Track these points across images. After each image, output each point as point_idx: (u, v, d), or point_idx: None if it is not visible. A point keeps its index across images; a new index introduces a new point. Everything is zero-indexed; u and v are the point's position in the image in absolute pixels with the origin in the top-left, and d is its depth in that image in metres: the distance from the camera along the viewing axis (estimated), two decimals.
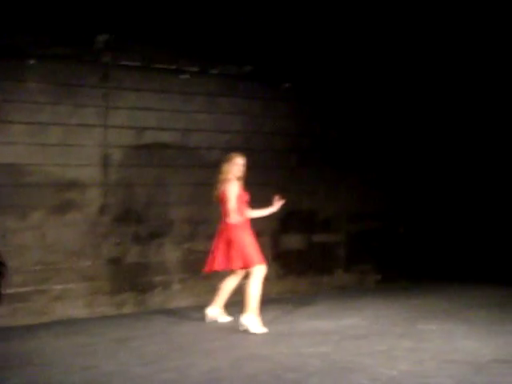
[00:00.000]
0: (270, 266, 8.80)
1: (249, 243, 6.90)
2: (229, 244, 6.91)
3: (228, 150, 7.41)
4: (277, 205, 7.28)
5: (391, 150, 9.97)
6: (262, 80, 8.77)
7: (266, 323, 6.90)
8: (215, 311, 7.29)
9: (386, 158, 9.94)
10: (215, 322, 7.26)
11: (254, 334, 6.70)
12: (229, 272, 7.20)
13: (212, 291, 7.38)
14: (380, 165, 9.88)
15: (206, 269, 7.15)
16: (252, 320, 6.77)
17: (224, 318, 7.29)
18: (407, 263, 10.07)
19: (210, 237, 7.30)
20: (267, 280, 8.65)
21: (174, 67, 8.12)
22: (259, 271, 6.85)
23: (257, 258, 6.87)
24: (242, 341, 6.47)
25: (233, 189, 6.91)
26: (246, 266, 6.88)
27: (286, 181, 8.97)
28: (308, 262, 9.20)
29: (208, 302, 7.35)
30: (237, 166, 7.01)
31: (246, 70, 8.65)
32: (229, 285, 7.25)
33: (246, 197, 7.10)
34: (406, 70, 9.85)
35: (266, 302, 8.35)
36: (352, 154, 9.62)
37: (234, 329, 6.86)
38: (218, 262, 7.00)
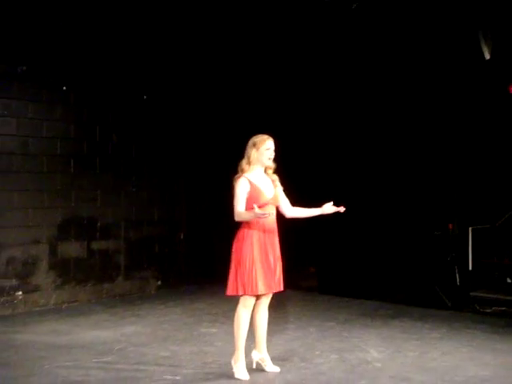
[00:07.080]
0: (48, 274, 8.54)
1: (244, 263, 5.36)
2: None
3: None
4: (330, 209, 5.60)
5: (172, 157, 10.04)
6: (38, 81, 8.40)
7: (44, 336, 6.59)
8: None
9: (168, 165, 9.98)
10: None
11: None
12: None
13: None
14: (161, 171, 9.90)
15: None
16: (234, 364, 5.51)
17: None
18: (188, 268, 10.19)
19: None
20: (45, 290, 8.41)
21: None
22: (244, 302, 5.46)
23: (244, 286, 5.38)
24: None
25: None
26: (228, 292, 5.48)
27: (65, 187, 8.68)
28: (87, 270, 8.97)
29: None
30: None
31: (19, 71, 8.22)
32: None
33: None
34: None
35: (44, 312, 8.09)
36: (133, 160, 9.52)
37: None
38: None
